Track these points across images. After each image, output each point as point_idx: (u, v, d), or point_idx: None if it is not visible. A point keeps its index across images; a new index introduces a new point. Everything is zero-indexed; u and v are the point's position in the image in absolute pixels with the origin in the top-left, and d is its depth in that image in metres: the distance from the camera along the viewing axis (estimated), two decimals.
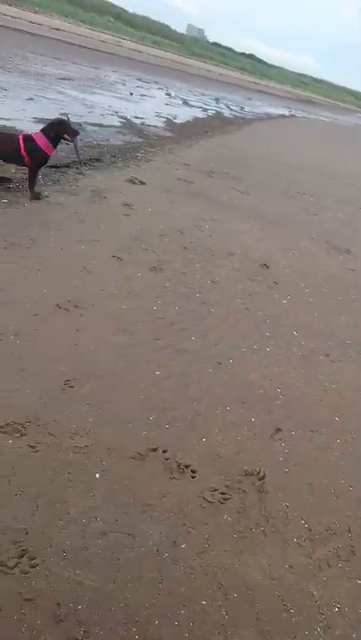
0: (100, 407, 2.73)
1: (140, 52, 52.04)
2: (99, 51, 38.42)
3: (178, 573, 1.99)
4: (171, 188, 7.46)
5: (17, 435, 2.40)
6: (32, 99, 11.72)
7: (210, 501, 2.36)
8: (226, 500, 2.39)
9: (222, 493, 2.42)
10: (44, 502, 2.10)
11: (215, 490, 2.43)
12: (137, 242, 5.07)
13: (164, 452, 2.56)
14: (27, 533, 1.95)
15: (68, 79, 17.80)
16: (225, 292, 4.57)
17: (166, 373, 3.19)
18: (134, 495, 2.27)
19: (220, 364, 3.46)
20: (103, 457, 2.42)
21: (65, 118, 5.44)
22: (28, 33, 32.06)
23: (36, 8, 52.75)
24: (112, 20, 76.00)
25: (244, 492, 2.47)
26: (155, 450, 2.55)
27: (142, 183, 7.17)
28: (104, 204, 5.89)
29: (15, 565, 1.83)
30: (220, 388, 3.20)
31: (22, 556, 1.86)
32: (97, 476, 2.31)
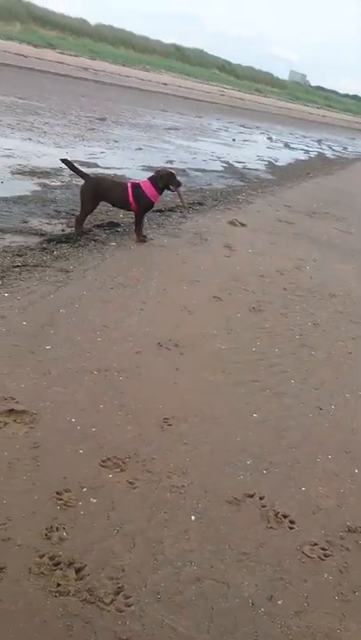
0: (196, 447, 2.73)
1: (242, 99, 53.68)
2: (203, 101, 40.27)
3: (274, 632, 1.89)
4: (271, 229, 7.49)
5: (117, 470, 2.46)
6: (141, 148, 12.52)
7: (309, 556, 2.23)
8: (327, 556, 2.25)
9: (323, 549, 2.28)
10: (140, 540, 2.11)
11: (315, 544, 2.30)
12: (237, 282, 5.12)
13: (260, 498, 2.48)
14: (123, 570, 1.97)
15: (174, 129, 18.81)
16: (327, 335, 4.43)
17: (264, 417, 3.12)
18: (229, 542, 2.21)
19: (321, 409, 3.33)
20: (199, 499, 2.40)
21: (172, 171, 5.75)
22: (139, 89, 34.57)
23: (147, 67, 56.88)
24: (217, 71, 79.43)
25: (347, 549, 2.31)
26: (251, 496, 2.48)
27: (243, 225, 7.28)
28: (205, 246, 6.04)
29: (111, 602, 1.84)
30: (321, 436, 3.07)
31: (118, 594, 1.88)
32: (192, 518, 2.29)
